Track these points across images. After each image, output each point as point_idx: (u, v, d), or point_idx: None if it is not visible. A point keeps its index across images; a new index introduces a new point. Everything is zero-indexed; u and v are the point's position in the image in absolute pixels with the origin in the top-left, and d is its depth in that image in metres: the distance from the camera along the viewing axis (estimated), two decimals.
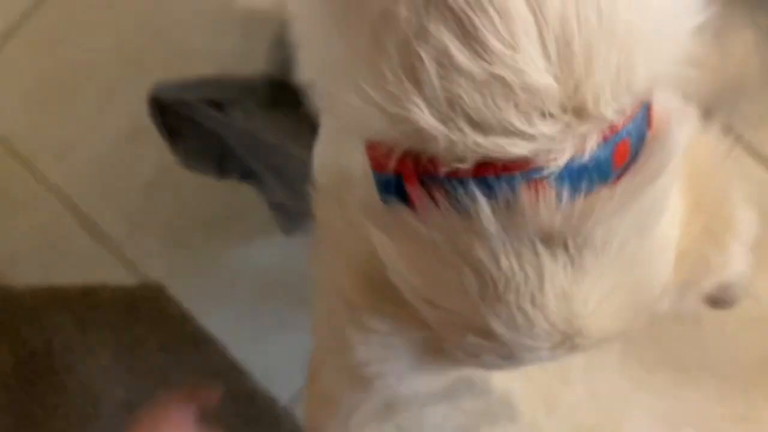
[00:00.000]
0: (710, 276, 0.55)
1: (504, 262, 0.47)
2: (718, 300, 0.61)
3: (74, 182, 1.01)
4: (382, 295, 0.52)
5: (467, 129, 0.43)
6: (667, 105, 0.50)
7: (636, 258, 0.49)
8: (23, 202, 1.01)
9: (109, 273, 0.97)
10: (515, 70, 0.41)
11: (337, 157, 0.59)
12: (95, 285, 0.92)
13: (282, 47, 0.83)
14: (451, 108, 0.42)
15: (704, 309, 0.63)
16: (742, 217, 0.55)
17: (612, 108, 0.42)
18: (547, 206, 0.43)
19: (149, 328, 0.91)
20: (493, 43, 0.41)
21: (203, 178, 0.90)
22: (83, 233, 0.99)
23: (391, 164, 0.46)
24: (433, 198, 0.45)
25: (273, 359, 0.93)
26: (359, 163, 0.53)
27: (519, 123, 0.42)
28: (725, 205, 0.54)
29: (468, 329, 0.52)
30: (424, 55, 0.42)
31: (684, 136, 0.48)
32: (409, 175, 0.46)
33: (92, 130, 1.00)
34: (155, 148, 0.91)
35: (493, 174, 0.43)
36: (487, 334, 0.51)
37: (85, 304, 0.90)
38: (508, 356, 0.53)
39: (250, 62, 0.92)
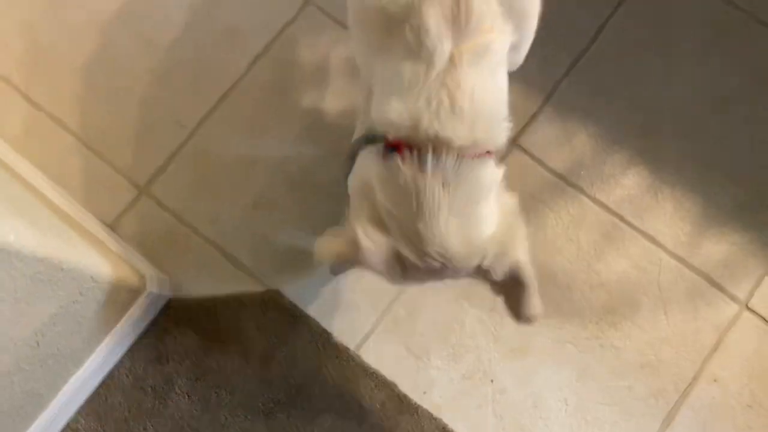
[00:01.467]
0: (508, 255, 0.96)
1: (428, 193, 0.90)
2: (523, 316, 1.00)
3: (221, 235, 1.50)
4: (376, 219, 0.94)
5: (429, 132, 0.90)
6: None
7: (471, 215, 0.92)
8: (187, 247, 1.49)
9: (246, 285, 1.46)
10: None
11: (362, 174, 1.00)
12: (240, 293, 1.51)
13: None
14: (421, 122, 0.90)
15: None
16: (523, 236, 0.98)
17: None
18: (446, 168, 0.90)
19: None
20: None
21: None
22: (228, 263, 1.48)
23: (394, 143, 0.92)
24: (407, 153, 0.90)
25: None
26: (373, 171, 0.95)
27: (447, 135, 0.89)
28: (517, 227, 0.99)
29: (409, 232, 0.91)
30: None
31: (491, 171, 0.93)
32: (401, 147, 0.91)
33: (231, 203, 1.50)
34: (278, 217, 1.44)
35: (432, 152, 0.89)
36: (415, 234, 0.91)
37: (237, 302, 1.49)
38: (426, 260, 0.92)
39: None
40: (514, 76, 1.51)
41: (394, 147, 0.93)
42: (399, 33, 0.93)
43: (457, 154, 0.92)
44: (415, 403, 1.41)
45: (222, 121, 1.55)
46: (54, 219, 1.24)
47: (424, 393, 1.42)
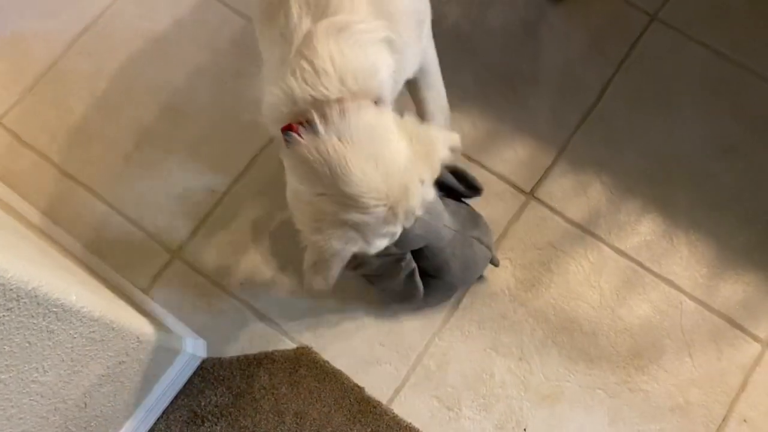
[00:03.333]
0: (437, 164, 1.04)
1: (331, 152, 0.95)
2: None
3: (252, 295, 1.53)
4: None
5: (305, 97, 0.96)
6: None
7: (378, 154, 0.98)
8: (219, 307, 1.53)
9: (278, 343, 1.50)
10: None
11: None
12: (272, 351, 1.54)
13: None
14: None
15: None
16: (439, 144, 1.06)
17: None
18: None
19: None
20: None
21: None
22: (259, 322, 1.52)
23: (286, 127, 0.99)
24: (301, 129, 0.97)
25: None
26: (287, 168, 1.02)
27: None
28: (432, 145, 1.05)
29: (342, 199, 0.96)
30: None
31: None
32: (293, 126, 0.98)
33: (261, 264, 1.54)
34: None
35: (317, 115, 0.96)
36: (345, 196, 0.95)
37: (269, 360, 1.52)
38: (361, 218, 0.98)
39: None
40: (527, 133, 1.61)
41: (288, 130, 1.00)
42: (276, 21, 1.03)
43: (339, 108, 0.97)
44: None
45: (250, 185, 1.62)
46: (97, 282, 1.28)
47: None
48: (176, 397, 1.47)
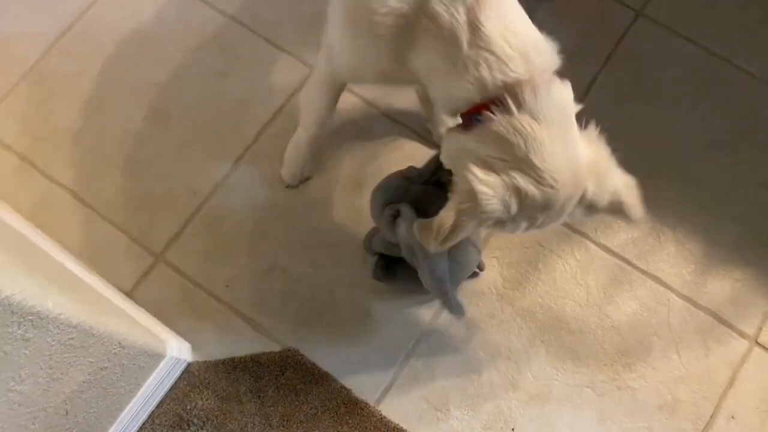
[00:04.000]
0: (607, 182, 1.05)
1: (528, 130, 0.97)
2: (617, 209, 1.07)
3: (237, 298, 1.51)
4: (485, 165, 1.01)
5: (497, 83, 1.00)
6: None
7: (569, 140, 1.00)
8: (204, 310, 1.52)
9: (264, 346, 1.47)
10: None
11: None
12: (258, 353, 1.52)
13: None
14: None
15: None
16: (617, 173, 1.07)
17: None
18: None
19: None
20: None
21: None
22: (245, 325, 1.50)
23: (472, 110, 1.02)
24: (494, 108, 0.99)
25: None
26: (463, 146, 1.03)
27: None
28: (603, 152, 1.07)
29: (522, 165, 0.98)
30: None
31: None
32: (482, 108, 1.01)
33: (245, 266, 1.53)
34: (294, 278, 1.47)
35: (510, 97, 0.99)
36: (531, 165, 0.98)
37: (255, 363, 1.50)
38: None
39: None
40: None
41: (475, 113, 1.02)
42: (419, 27, 1.04)
43: (531, 88, 0.99)
44: None
45: (233, 188, 1.60)
46: (78, 286, 1.26)
47: None
48: (161, 402, 1.46)
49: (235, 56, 1.71)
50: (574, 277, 1.52)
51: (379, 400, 1.45)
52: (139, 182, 1.62)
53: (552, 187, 1.00)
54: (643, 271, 1.52)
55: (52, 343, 1.00)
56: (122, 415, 1.38)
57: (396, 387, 1.47)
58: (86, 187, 1.61)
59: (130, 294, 1.53)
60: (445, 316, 1.49)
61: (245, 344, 1.49)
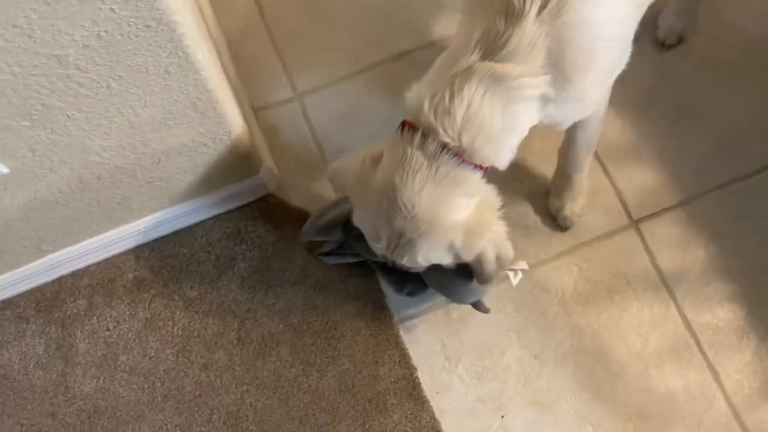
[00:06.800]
0: (476, 242, 1.10)
1: (413, 160, 1.03)
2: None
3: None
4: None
5: (425, 119, 1.03)
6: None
7: (444, 194, 1.04)
8: (306, 160, 1.65)
9: None
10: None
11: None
12: None
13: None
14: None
15: None
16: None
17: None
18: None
19: None
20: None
21: None
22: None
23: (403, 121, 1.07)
24: (407, 129, 1.05)
25: None
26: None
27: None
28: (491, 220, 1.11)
29: (387, 183, 1.06)
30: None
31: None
32: (405, 124, 1.06)
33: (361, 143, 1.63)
34: None
35: (422, 135, 1.03)
36: (393, 185, 1.05)
37: None
38: None
39: None
40: (667, 166, 1.53)
41: (406, 125, 1.07)
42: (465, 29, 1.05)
43: (443, 147, 1.03)
44: (424, 397, 1.44)
45: (390, 75, 1.64)
46: (221, 67, 1.35)
47: (437, 393, 1.45)
48: (231, 211, 1.55)
49: None
50: (640, 326, 1.48)
51: (403, 320, 1.49)
52: (319, 26, 1.69)
53: (400, 209, 1.06)
54: (707, 359, 1.46)
55: (183, 92, 1.09)
56: (196, 200, 1.48)
57: (424, 318, 1.49)
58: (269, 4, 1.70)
59: (255, 110, 1.62)
60: (503, 286, 1.49)
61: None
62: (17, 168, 1.10)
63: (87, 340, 1.48)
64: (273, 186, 1.57)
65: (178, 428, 1.43)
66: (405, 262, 1.14)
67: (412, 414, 1.42)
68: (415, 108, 1.05)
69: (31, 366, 1.47)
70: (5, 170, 1.08)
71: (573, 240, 1.53)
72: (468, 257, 1.14)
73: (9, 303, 1.50)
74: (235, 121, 1.29)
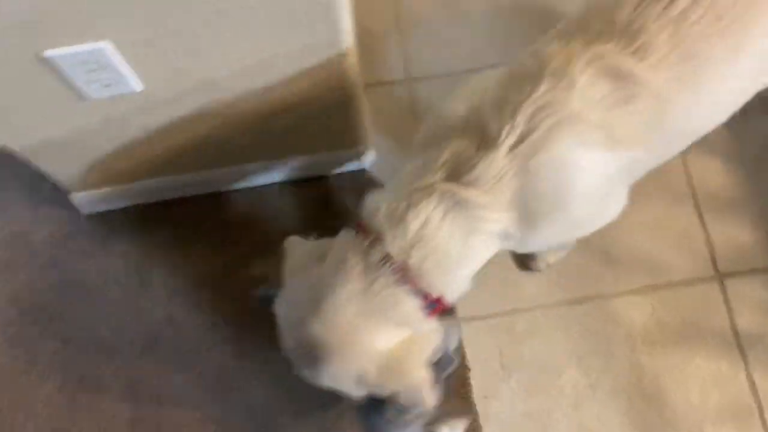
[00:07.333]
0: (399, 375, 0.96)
1: (349, 266, 0.94)
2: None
3: None
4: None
5: (374, 228, 0.95)
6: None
7: (371, 316, 0.94)
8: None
9: None
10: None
11: None
12: None
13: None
14: None
15: None
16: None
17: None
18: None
19: None
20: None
21: None
22: None
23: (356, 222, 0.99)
24: (357, 232, 0.97)
25: None
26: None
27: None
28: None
29: (315, 291, 0.96)
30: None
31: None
32: (357, 226, 0.98)
33: None
34: None
35: (369, 243, 0.94)
36: (315, 289, 0.96)
37: None
38: None
39: None
40: (765, 226, 1.49)
41: (357, 223, 0.99)
42: (431, 145, 0.98)
43: (386, 261, 0.94)
44: (472, 398, 1.44)
45: None
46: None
47: (485, 397, 1.45)
48: (323, 177, 1.59)
49: None
50: (704, 380, 1.45)
51: (466, 319, 1.49)
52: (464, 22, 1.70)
53: (321, 314, 0.95)
54: (766, 428, 1.41)
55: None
56: (293, 159, 1.52)
57: (485, 322, 1.49)
58: None
59: (366, 88, 1.66)
60: (572, 309, 1.48)
61: None
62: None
63: (165, 270, 1.54)
64: (369, 163, 1.59)
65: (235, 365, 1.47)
66: (306, 374, 1.02)
67: (457, 412, 1.42)
68: (371, 212, 0.97)
69: (110, 281, 1.54)
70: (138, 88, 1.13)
71: (653, 279, 1.51)
72: (381, 393, 1.00)
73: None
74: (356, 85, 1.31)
